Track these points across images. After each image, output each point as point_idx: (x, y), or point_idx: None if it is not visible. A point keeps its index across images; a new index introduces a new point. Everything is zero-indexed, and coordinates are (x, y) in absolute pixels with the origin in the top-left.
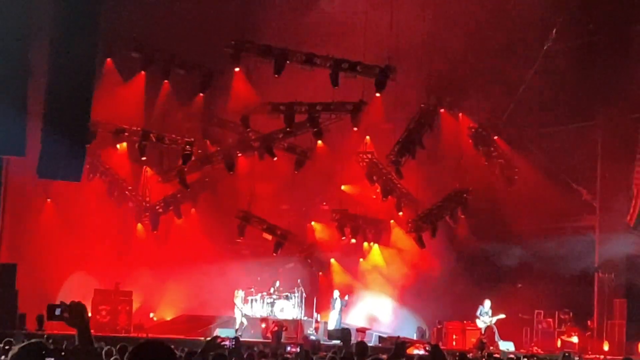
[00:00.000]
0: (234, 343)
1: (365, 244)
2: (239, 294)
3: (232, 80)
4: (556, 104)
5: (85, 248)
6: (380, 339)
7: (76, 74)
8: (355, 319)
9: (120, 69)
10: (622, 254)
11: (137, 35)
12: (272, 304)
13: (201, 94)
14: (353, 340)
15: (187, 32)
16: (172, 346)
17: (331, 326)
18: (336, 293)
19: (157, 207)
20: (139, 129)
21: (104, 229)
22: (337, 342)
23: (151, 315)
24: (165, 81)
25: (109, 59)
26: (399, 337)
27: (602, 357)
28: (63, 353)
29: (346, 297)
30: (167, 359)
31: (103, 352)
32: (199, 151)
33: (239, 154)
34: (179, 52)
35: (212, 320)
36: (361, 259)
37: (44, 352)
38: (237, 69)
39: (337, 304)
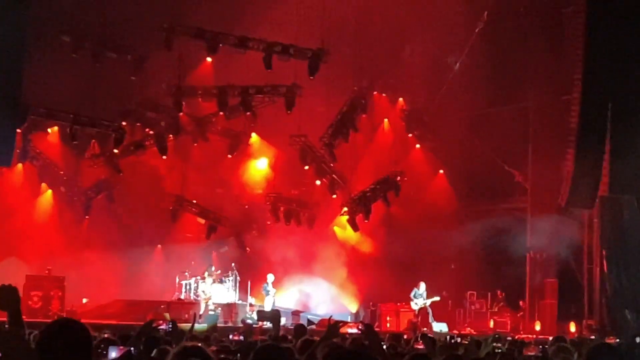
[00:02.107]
0: (170, 327)
1: (299, 226)
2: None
3: (164, 64)
4: (488, 87)
5: (16, 234)
6: (309, 322)
7: (5, 58)
8: (290, 301)
9: (51, 53)
10: (553, 235)
11: (68, 18)
12: (204, 288)
13: (133, 78)
14: (286, 322)
15: (119, 16)
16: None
17: (267, 309)
18: (270, 277)
19: (89, 192)
20: (70, 113)
21: (35, 214)
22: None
23: (84, 300)
24: (97, 65)
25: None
26: (331, 317)
27: (534, 336)
28: None
29: (273, 280)
30: (80, 337)
31: (31, 336)
32: (131, 135)
33: (172, 138)
34: (111, 36)
35: (145, 304)
36: (295, 242)
37: None
38: (169, 52)
39: (271, 288)
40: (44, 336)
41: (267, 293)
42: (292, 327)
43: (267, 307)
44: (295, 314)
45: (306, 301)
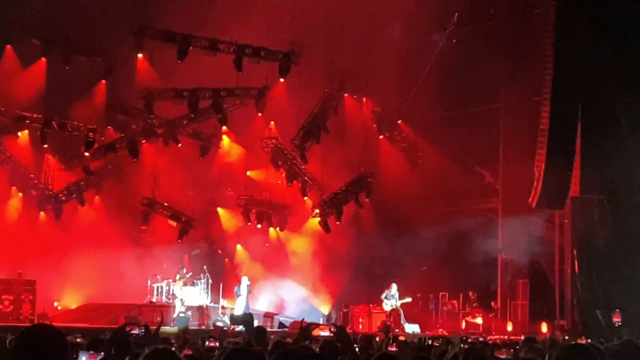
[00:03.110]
0: (143, 331)
1: (271, 229)
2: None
3: (135, 67)
4: (459, 88)
5: None
6: (281, 324)
7: None
8: (262, 304)
9: (21, 56)
10: (524, 236)
11: (38, 21)
12: (176, 291)
13: (104, 81)
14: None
15: (89, 19)
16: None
17: (238, 312)
18: (244, 279)
19: (60, 195)
20: (40, 116)
21: (6, 218)
22: (241, 327)
23: (55, 304)
24: (67, 68)
25: (8, 46)
26: (303, 320)
27: (505, 337)
28: None
29: (249, 282)
30: (57, 342)
31: (7, 342)
32: (102, 138)
33: (143, 141)
34: (81, 39)
35: (117, 308)
36: (267, 245)
37: None
38: (139, 55)
39: (243, 290)
40: (20, 341)
41: (239, 295)
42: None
43: (238, 310)
44: (268, 316)
45: (279, 303)
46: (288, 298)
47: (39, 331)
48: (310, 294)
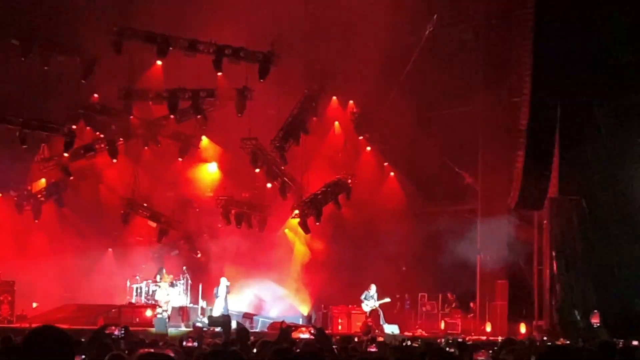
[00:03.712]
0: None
1: (250, 230)
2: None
3: (115, 67)
4: (438, 89)
5: None
6: (263, 324)
7: None
8: (242, 305)
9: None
10: (503, 237)
11: (17, 21)
12: (160, 292)
13: (83, 81)
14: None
15: (69, 19)
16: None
17: (217, 313)
18: (223, 280)
19: (40, 196)
20: (19, 117)
21: None
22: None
23: (34, 305)
24: (46, 68)
25: None
26: (283, 321)
27: (484, 338)
28: None
29: (228, 283)
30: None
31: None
32: (82, 139)
33: (122, 141)
34: (60, 39)
35: (96, 309)
36: (246, 245)
37: None
38: (119, 56)
39: (222, 291)
40: (27, 343)
41: (217, 296)
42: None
43: (216, 311)
44: (247, 317)
45: (258, 304)
46: (267, 299)
47: (46, 332)
48: (290, 295)
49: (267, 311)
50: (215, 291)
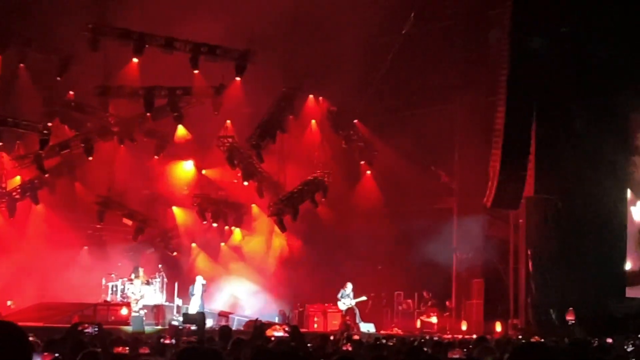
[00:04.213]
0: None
1: (227, 228)
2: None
3: (91, 64)
4: (415, 87)
5: None
6: (239, 322)
7: None
8: (218, 303)
9: None
10: (479, 235)
11: None
12: (134, 290)
13: (59, 78)
14: (212, 324)
15: (44, 16)
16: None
17: (192, 312)
18: (199, 279)
19: (14, 194)
20: None
21: None
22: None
23: (9, 303)
24: (22, 65)
25: None
26: (257, 319)
27: (460, 336)
28: None
29: (204, 282)
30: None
31: None
32: (57, 136)
33: (98, 139)
34: (36, 36)
35: (72, 307)
36: (223, 244)
37: None
38: (95, 53)
39: (198, 289)
40: None
41: (193, 295)
42: (218, 329)
43: (192, 309)
44: (223, 315)
45: (234, 302)
46: (243, 297)
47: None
48: (266, 293)
49: (243, 310)
50: (190, 289)
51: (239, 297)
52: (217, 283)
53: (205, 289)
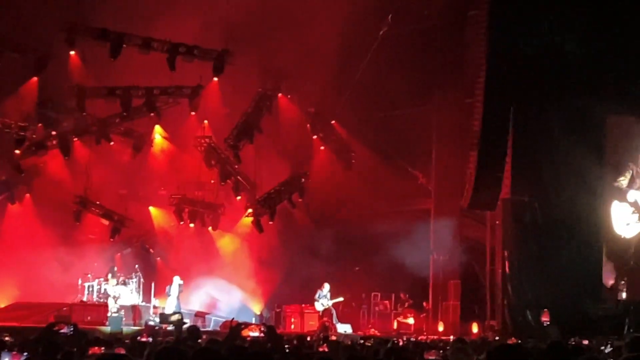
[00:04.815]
0: (72, 330)
1: (204, 228)
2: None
3: (67, 64)
4: (393, 88)
5: None
6: (216, 322)
7: None
8: (194, 303)
9: None
10: (456, 236)
11: None
12: (109, 290)
13: (35, 78)
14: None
15: (21, 14)
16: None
17: (169, 312)
18: (176, 279)
19: None
20: None
21: None
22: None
23: None
24: None
25: None
26: (233, 319)
27: (437, 337)
28: None
29: (181, 282)
30: None
31: None
32: (34, 136)
33: (75, 139)
34: (12, 35)
35: (47, 307)
36: (199, 244)
37: None
38: (72, 53)
39: (175, 290)
40: None
41: (169, 295)
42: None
43: (168, 309)
44: (199, 315)
45: (211, 303)
46: (220, 298)
47: None
48: (243, 294)
49: (219, 310)
50: (167, 290)
51: (215, 297)
52: (194, 283)
53: (182, 289)
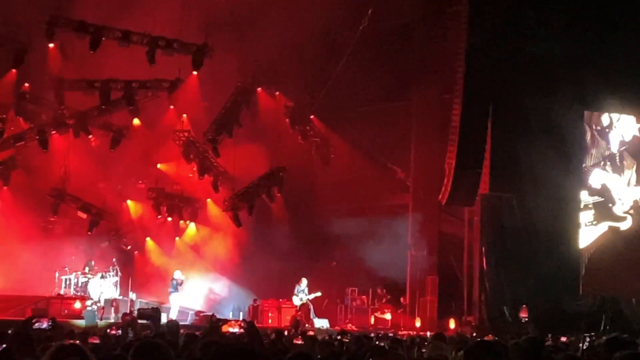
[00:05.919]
0: (51, 324)
1: (182, 222)
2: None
3: (46, 56)
4: (372, 84)
5: None
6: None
7: None
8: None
9: None
10: (434, 232)
11: None
12: (87, 283)
13: (14, 70)
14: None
15: (0, 6)
16: None
17: (174, 309)
18: (177, 274)
19: None
20: None
21: None
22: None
23: None
24: None
25: None
26: (213, 314)
27: (414, 333)
28: None
29: (183, 277)
30: None
31: None
32: (12, 128)
33: (53, 132)
34: None
35: (24, 300)
36: (177, 238)
37: None
38: (51, 45)
39: (177, 286)
40: None
41: (174, 290)
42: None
43: (174, 308)
44: (199, 315)
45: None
46: (198, 292)
47: None
48: (221, 288)
49: (197, 304)
50: (171, 285)
51: (193, 292)
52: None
53: (180, 283)
